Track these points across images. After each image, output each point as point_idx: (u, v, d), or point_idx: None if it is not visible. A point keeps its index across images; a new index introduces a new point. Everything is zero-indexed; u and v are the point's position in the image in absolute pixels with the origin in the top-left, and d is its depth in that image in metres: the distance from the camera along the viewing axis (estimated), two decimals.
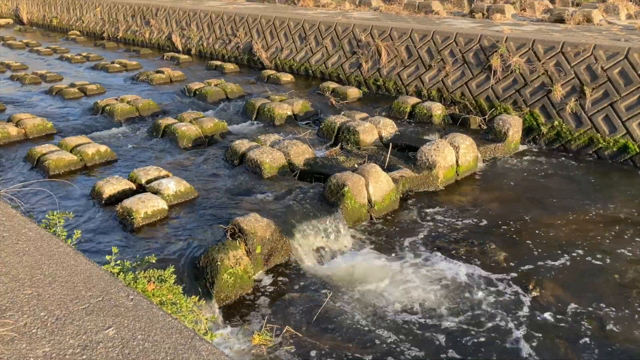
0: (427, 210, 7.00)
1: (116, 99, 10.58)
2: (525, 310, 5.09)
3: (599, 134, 8.68)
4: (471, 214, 6.91)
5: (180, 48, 16.78)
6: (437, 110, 9.76)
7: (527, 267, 5.77)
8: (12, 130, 8.85)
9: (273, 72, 13.16)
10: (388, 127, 8.87)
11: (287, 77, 12.82)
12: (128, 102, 10.35)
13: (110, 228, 6.02)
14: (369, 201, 6.69)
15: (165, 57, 15.72)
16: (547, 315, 5.02)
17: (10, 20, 24.66)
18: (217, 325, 4.76)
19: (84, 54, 16.11)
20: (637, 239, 6.32)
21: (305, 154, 7.86)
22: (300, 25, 13.71)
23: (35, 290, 2.53)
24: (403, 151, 8.23)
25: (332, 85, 11.59)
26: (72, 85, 12.03)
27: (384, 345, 4.63)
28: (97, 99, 10.94)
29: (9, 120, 9.32)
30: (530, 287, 5.42)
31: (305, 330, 4.80)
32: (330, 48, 12.95)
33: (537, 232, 6.49)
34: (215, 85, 11.81)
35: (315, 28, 13.33)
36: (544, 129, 9.20)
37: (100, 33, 20.16)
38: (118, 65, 14.46)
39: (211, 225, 5.97)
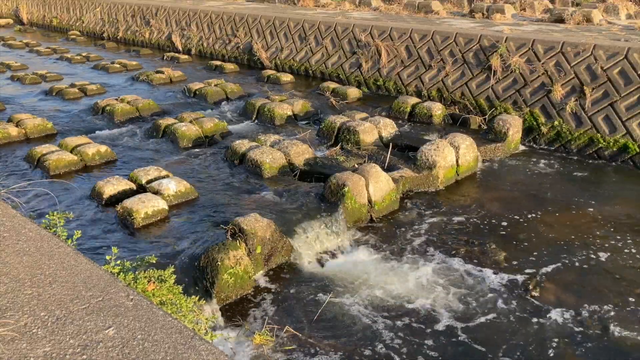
0: (427, 211, 7.01)
1: (116, 99, 10.59)
2: (526, 310, 5.10)
3: (599, 134, 8.68)
4: (471, 214, 6.91)
5: (180, 48, 16.78)
6: (437, 110, 9.76)
7: (527, 267, 5.77)
8: (13, 130, 8.85)
9: (273, 72, 13.17)
10: (388, 127, 8.88)
11: (287, 77, 12.82)
12: (128, 102, 10.36)
13: (111, 228, 6.02)
14: (369, 201, 6.69)
15: (165, 57, 15.72)
16: (547, 315, 5.03)
17: (10, 21, 24.67)
18: (217, 325, 4.76)
19: (84, 54, 16.12)
20: (637, 238, 6.32)
21: (305, 154, 7.86)
22: (300, 26, 13.71)
23: (35, 290, 2.54)
24: (403, 151, 8.23)
25: (332, 85, 11.60)
26: (72, 85, 12.04)
27: (384, 345, 4.64)
28: (97, 99, 10.95)
29: (9, 120, 9.33)
30: (531, 287, 5.42)
31: (305, 330, 4.80)
32: (330, 48, 12.95)
33: (537, 232, 6.49)
34: (215, 85, 11.81)
35: (315, 28, 13.34)
36: (544, 129, 9.20)
37: (100, 33, 20.16)
38: (118, 66, 14.47)
39: (211, 225, 5.98)
